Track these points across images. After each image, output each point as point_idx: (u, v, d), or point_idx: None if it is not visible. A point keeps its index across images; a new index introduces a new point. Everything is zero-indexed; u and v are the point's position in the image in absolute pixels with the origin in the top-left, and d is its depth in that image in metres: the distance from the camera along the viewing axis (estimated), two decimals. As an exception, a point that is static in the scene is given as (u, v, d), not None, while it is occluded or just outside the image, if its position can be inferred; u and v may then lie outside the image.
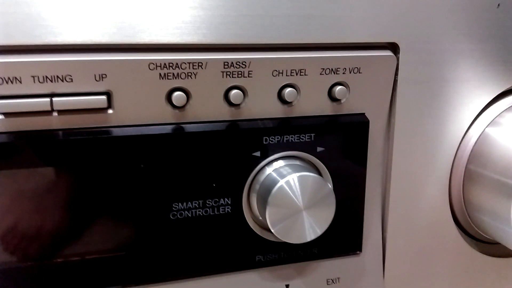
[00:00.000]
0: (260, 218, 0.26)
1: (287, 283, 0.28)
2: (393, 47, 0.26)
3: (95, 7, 0.22)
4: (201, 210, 0.25)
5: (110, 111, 0.23)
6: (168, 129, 0.24)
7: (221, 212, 0.25)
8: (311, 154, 0.26)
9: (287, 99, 0.25)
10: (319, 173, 0.26)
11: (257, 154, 0.25)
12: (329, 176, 0.26)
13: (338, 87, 0.26)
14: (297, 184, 0.24)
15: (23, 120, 0.22)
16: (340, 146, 0.26)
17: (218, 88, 0.24)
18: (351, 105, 0.26)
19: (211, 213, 0.25)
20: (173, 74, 0.23)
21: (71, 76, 0.22)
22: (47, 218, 0.23)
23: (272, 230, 0.24)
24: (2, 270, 0.23)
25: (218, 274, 0.27)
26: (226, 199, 0.25)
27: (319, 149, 0.26)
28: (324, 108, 0.26)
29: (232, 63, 0.24)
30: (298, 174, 0.24)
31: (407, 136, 0.28)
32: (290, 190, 0.24)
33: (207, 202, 0.25)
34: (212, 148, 0.24)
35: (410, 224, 0.30)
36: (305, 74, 0.25)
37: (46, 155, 0.22)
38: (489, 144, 0.29)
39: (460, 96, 0.28)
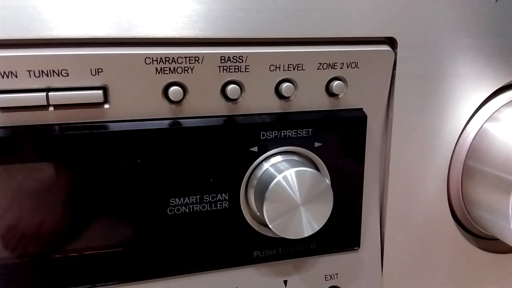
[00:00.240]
0: (258, 213, 0.25)
1: (285, 279, 0.28)
2: (391, 42, 0.26)
3: (91, 1, 0.22)
4: (198, 205, 0.25)
5: (106, 105, 0.23)
6: (164, 124, 0.24)
7: (218, 207, 0.25)
8: (308, 149, 0.26)
9: (285, 94, 0.25)
10: (317, 168, 0.26)
11: (255, 149, 0.25)
12: (327, 171, 0.26)
13: (336, 82, 0.26)
14: (294, 179, 0.24)
15: (19, 115, 0.22)
16: (338, 141, 0.26)
17: (215, 83, 0.24)
18: (348, 100, 0.26)
19: (208, 209, 0.25)
20: (170, 68, 0.23)
21: (67, 70, 0.22)
22: (44, 214, 0.23)
23: (270, 226, 0.24)
24: (-2, 266, 0.23)
25: (216, 270, 0.27)
26: (223, 194, 0.25)
27: (316, 144, 0.26)
28: (322, 103, 0.26)
29: (229, 57, 0.24)
30: (295, 169, 0.24)
31: (405, 131, 0.28)
32: (288, 185, 0.24)
33: (205, 197, 0.25)
34: (209, 143, 0.24)
35: (409, 220, 0.30)
36: (302, 69, 0.25)
37: (42, 150, 0.22)
38: (488, 140, 0.29)
39: (458, 91, 0.28)
